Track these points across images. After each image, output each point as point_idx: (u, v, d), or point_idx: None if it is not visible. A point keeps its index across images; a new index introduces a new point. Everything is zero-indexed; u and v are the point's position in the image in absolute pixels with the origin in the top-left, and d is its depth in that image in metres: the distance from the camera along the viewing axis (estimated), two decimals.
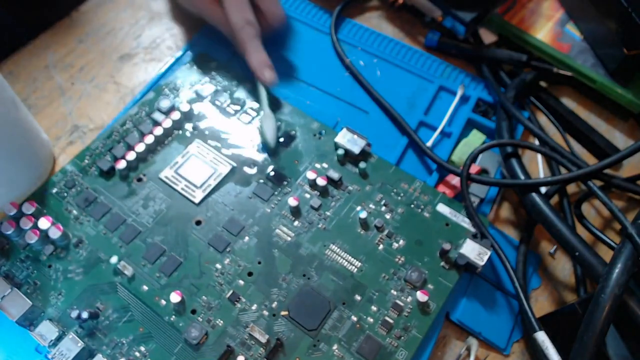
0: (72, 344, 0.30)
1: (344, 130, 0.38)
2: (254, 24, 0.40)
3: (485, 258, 0.33)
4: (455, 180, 0.39)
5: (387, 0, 0.49)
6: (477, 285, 0.36)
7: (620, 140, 0.43)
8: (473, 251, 0.34)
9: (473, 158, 0.36)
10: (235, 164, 0.38)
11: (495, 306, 0.36)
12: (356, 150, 0.37)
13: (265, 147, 0.39)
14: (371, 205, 0.36)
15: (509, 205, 0.40)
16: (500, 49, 0.44)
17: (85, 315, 0.31)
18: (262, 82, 0.41)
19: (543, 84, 0.45)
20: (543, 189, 0.38)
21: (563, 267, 0.38)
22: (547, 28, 0.45)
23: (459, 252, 0.34)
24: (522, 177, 0.37)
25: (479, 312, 0.35)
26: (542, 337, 0.31)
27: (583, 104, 0.45)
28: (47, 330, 0.31)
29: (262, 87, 0.41)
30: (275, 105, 0.41)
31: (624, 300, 0.30)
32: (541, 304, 0.37)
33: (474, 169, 0.39)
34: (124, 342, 0.32)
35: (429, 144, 0.40)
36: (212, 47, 0.45)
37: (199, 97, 0.41)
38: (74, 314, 0.31)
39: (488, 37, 0.46)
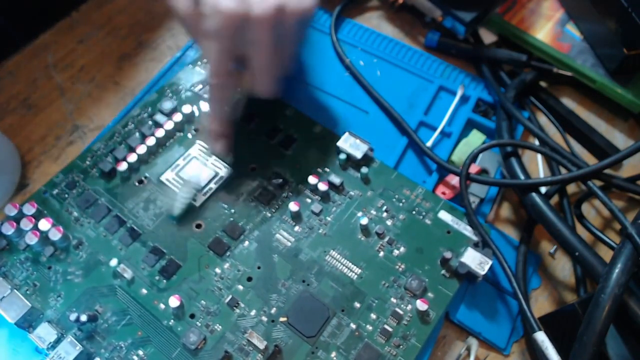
0: (71, 347, 0.30)
1: (347, 134, 0.38)
2: (229, 85, 0.35)
3: (487, 267, 0.33)
4: (455, 181, 0.39)
5: (387, 0, 0.49)
6: (477, 286, 0.36)
7: (620, 140, 0.43)
8: (474, 260, 0.33)
9: (473, 158, 0.36)
10: (236, 168, 0.38)
11: (495, 306, 0.36)
12: (358, 155, 0.37)
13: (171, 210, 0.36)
14: (372, 211, 0.36)
15: (509, 205, 0.40)
16: (500, 49, 0.44)
17: (84, 318, 0.31)
18: (214, 151, 0.37)
19: (543, 84, 0.45)
20: (543, 189, 0.38)
21: (563, 267, 0.38)
22: (547, 28, 0.45)
23: (460, 261, 0.33)
24: (522, 177, 0.37)
25: (479, 312, 0.35)
26: (541, 337, 0.31)
27: (583, 104, 0.45)
28: (45, 332, 0.31)
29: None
30: (275, 107, 0.41)
31: (624, 300, 0.30)
32: (541, 304, 0.37)
33: (473, 169, 0.39)
34: (122, 345, 0.32)
35: (429, 144, 0.40)
36: None
37: (201, 99, 0.41)
38: (73, 316, 0.31)
39: (488, 37, 0.46)
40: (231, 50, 0.33)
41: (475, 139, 0.41)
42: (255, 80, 0.35)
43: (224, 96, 0.35)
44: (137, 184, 0.37)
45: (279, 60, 0.35)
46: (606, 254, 0.33)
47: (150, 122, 0.39)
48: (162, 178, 0.37)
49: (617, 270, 0.30)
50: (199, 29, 0.34)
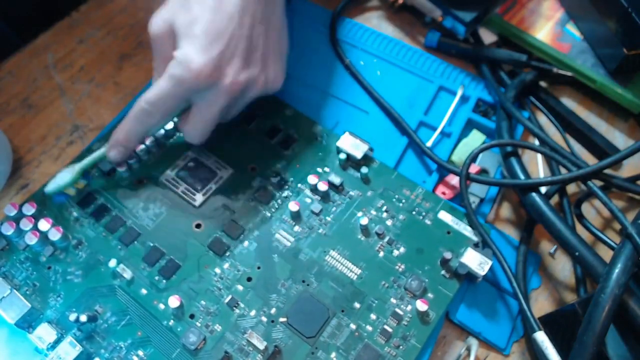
0: (70, 348, 0.30)
1: (347, 134, 0.38)
2: (156, 118, 0.34)
3: (487, 268, 0.33)
4: (455, 181, 0.39)
5: (387, 0, 0.49)
6: (477, 286, 0.36)
7: (620, 140, 0.43)
8: (474, 261, 0.33)
9: (473, 158, 0.36)
10: (236, 168, 0.38)
11: (495, 306, 0.36)
12: (358, 155, 0.37)
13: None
14: (372, 212, 0.36)
15: (509, 205, 0.40)
16: (500, 49, 0.44)
17: (83, 318, 0.31)
18: (107, 154, 0.36)
19: (543, 84, 0.45)
20: (543, 189, 0.38)
21: (563, 267, 0.38)
22: (547, 28, 0.45)
23: (460, 261, 0.33)
24: (522, 177, 0.37)
25: (479, 312, 0.35)
26: (541, 337, 0.31)
27: (583, 104, 0.45)
28: (45, 332, 0.31)
29: (101, 151, 0.36)
30: (275, 107, 0.41)
31: (624, 300, 0.30)
32: (541, 304, 0.37)
33: (473, 168, 0.39)
34: (122, 345, 0.32)
35: (429, 144, 0.40)
36: None
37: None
38: (73, 316, 0.31)
39: (488, 37, 0.46)
40: (182, 98, 0.33)
41: (475, 139, 0.41)
42: (189, 126, 0.35)
43: (149, 122, 0.34)
44: (136, 183, 0.37)
45: (222, 117, 0.35)
46: (606, 254, 0.33)
47: None
48: (162, 178, 0.37)
49: (617, 270, 0.30)
50: (163, 56, 0.33)
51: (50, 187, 0.36)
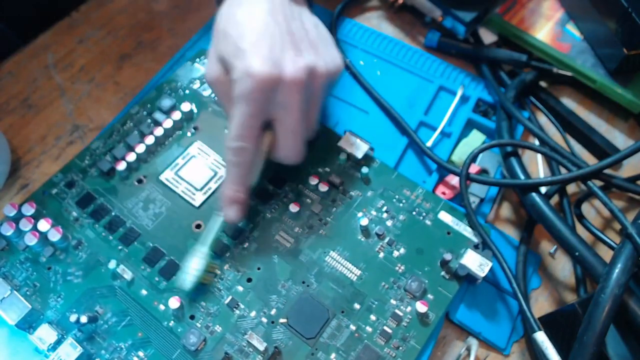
0: (71, 349, 0.30)
1: (347, 134, 0.38)
2: (251, 149, 0.32)
3: (486, 269, 0.33)
4: (455, 181, 0.39)
5: (387, 0, 0.49)
6: (477, 286, 0.36)
7: (620, 140, 0.43)
8: (474, 262, 0.33)
9: (473, 158, 0.36)
10: None
11: (495, 306, 0.36)
12: (359, 154, 0.37)
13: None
14: (372, 212, 0.36)
15: (509, 205, 0.40)
16: (500, 49, 0.44)
17: (84, 319, 0.31)
18: (226, 219, 0.34)
19: (543, 84, 0.45)
20: (543, 189, 0.38)
21: (563, 267, 0.38)
22: (547, 28, 0.45)
23: (460, 263, 0.33)
24: (522, 177, 0.37)
25: (479, 312, 0.35)
26: (541, 337, 0.31)
27: (583, 104, 0.45)
28: (46, 333, 0.31)
29: (218, 220, 0.35)
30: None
31: (624, 300, 0.30)
32: (541, 304, 0.37)
33: (473, 169, 0.39)
34: (123, 346, 0.32)
35: (429, 144, 0.40)
36: None
37: (200, 97, 0.41)
38: (73, 317, 0.31)
39: (488, 37, 0.46)
40: (260, 113, 0.32)
41: (475, 139, 0.41)
42: (280, 144, 0.34)
43: (245, 160, 0.32)
44: (136, 183, 0.37)
45: (306, 122, 0.34)
46: (606, 254, 0.33)
47: (149, 121, 0.39)
48: (162, 177, 0.37)
49: (617, 270, 0.30)
50: (229, 94, 0.32)
51: (188, 283, 0.33)
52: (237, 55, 0.31)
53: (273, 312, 0.33)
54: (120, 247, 0.35)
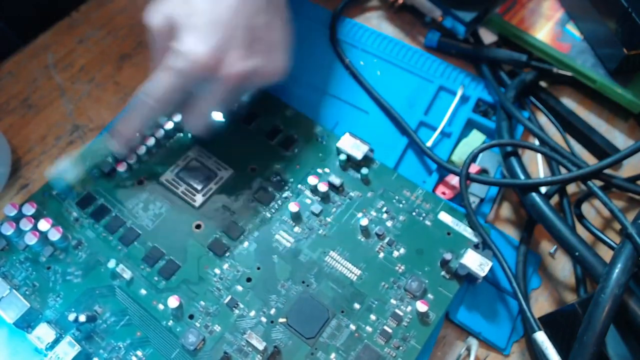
0: (69, 348, 0.30)
1: (347, 135, 0.38)
2: (160, 112, 0.34)
3: (487, 269, 0.33)
4: (455, 181, 0.39)
5: (387, 0, 0.49)
6: (477, 286, 0.36)
7: (620, 140, 0.43)
8: (474, 262, 0.33)
9: (473, 158, 0.36)
10: (236, 168, 0.38)
11: (495, 306, 0.36)
12: (359, 155, 0.37)
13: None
14: (372, 212, 0.36)
15: (509, 205, 0.40)
16: (500, 49, 0.44)
17: (83, 318, 0.31)
18: (107, 143, 0.36)
19: (543, 84, 0.45)
20: (543, 189, 0.38)
21: (563, 267, 0.38)
22: (547, 28, 0.45)
23: (460, 263, 0.33)
24: (522, 177, 0.37)
25: (479, 312, 0.35)
26: (542, 337, 0.31)
27: (583, 104, 0.45)
28: (44, 332, 0.31)
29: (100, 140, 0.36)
30: (275, 107, 0.40)
31: (624, 300, 0.30)
32: (541, 304, 0.37)
33: (474, 168, 0.39)
34: (121, 346, 0.32)
35: (429, 144, 0.40)
36: None
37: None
38: (72, 316, 0.31)
39: (488, 37, 0.46)
40: (183, 88, 0.33)
41: (475, 139, 0.41)
42: (189, 117, 0.35)
43: (147, 114, 0.34)
44: (136, 184, 0.37)
45: (223, 109, 0.35)
46: (606, 254, 0.33)
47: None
48: (162, 179, 0.37)
49: (617, 270, 0.30)
50: (161, 51, 0.33)
51: (53, 173, 0.35)
52: (186, 27, 0.32)
53: (272, 311, 0.33)
54: (119, 247, 0.35)
